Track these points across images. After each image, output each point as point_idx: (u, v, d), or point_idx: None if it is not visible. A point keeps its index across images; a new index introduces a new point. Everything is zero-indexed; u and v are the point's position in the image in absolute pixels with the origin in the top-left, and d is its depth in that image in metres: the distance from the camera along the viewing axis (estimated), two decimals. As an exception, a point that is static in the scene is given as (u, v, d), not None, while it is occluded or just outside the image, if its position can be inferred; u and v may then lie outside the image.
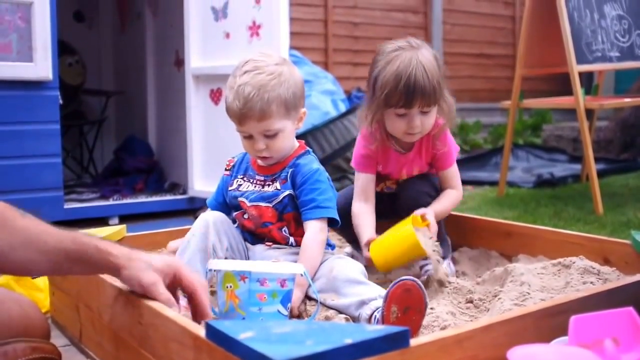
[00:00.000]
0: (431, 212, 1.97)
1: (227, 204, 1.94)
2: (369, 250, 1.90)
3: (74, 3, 5.58)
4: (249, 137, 1.79)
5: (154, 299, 1.38)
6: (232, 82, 1.78)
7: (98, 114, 5.47)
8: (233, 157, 1.98)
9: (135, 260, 1.38)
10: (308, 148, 1.89)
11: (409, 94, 1.88)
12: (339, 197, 2.04)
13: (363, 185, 2.09)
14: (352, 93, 5.70)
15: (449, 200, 2.10)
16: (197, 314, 1.42)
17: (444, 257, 2.12)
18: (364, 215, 2.04)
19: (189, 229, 1.86)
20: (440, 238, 2.10)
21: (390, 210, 2.13)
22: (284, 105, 1.76)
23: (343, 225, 1.93)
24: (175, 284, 1.43)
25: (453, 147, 2.13)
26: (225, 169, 1.96)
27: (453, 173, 2.14)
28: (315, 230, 1.77)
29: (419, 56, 1.91)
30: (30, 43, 3.35)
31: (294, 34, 4.96)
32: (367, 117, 2.01)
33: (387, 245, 1.87)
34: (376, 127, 2.03)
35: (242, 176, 1.90)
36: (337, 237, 2.38)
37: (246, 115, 1.74)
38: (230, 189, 1.90)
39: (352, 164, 2.14)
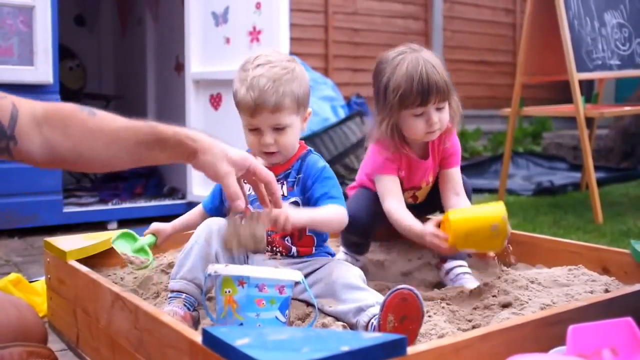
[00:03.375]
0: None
1: (224, 208, 1.93)
2: (438, 227, 1.85)
3: (75, 7, 5.59)
4: (256, 132, 1.78)
5: (224, 188, 1.44)
6: (243, 75, 1.76)
7: (98, 118, 5.47)
8: None
9: (214, 146, 1.41)
10: (309, 147, 1.88)
11: (424, 90, 1.92)
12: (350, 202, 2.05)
13: (391, 186, 2.05)
14: (352, 99, 5.72)
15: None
16: (271, 202, 1.54)
17: (460, 258, 2.14)
18: (405, 211, 2.01)
19: (189, 234, 1.85)
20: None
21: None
22: (296, 101, 1.76)
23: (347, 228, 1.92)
24: (249, 177, 1.50)
25: (459, 148, 2.16)
26: None
27: (459, 174, 2.15)
28: (342, 209, 1.77)
29: (423, 55, 1.96)
30: (31, 47, 3.36)
31: (294, 39, 4.97)
32: (382, 125, 2.01)
33: (473, 220, 1.80)
34: (390, 135, 2.03)
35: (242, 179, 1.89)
36: (336, 244, 2.37)
37: (260, 106, 1.73)
38: None
39: (371, 170, 2.11)
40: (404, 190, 2.12)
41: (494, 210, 1.78)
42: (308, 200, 1.79)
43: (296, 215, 1.62)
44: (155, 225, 1.99)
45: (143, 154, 1.40)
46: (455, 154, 2.13)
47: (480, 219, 1.78)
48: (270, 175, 1.51)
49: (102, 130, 1.35)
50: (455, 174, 2.14)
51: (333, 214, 1.75)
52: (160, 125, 1.40)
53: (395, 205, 2.02)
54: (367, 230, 2.14)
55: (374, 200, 2.11)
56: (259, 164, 1.50)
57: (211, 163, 1.41)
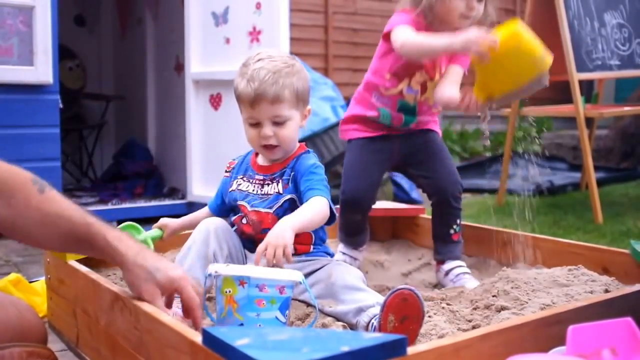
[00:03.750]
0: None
1: (227, 207, 1.95)
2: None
3: (75, 7, 5.59)
4: (256, 126, 1.79)
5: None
6: (243, 70, 1.80)
7: (98, 118, 5.47)
8: (234, 160, 1.98)
9: (139, 267, 1.39)
10: (308, 149, 1.89)
11: None
12: (344, 180, 2.10)
13: (409, 31, 2.00)
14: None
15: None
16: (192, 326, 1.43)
17: (457, 257, 2.14)
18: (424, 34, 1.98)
19: (188, 234, 1.85)
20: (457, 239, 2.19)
21: (399, 159, 2.19)
22: (295, 94, 1.78)
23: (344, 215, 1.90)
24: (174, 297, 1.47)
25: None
26: (226, 171, 1.97)
27: (461, 75, 2.17)
28: (323, 200, 1.73)
29: None
30: (31, 47, 3.36)
31: (294, 39, 4.96)
32: None
33: (532, 39, 1.83)
34: (433, 4, 2.03)
35: (241, 176, 1.90)
36: (335, 244, 2.37)
37: (260, 97, 1.74)
38: (230, 189, 1.91)
39: (392, 26, 2.05)
40: (410, 72, 2.11)
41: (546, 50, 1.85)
42: (300, 195, 1.80)
43: (285, 235, 1.58)
44: (163, 220, 2.02)
45: (72, 246, 1.42)
46: (466, 57, 2.12)
47: (536, 44, 1.83)
48: (194, 303, 1.42)
49: (41, 210, 1.36)
50: (458, 70, 2.15)
51: (315, 212, 1.71)
52: (96, 226, 1.39)
53: (414, 33, 1.98)
54: (367, 205, 2.18)
55: (367, 165, 2.15)
56: (187, 290, 1.42)
57: (135, 283, 1.40)
